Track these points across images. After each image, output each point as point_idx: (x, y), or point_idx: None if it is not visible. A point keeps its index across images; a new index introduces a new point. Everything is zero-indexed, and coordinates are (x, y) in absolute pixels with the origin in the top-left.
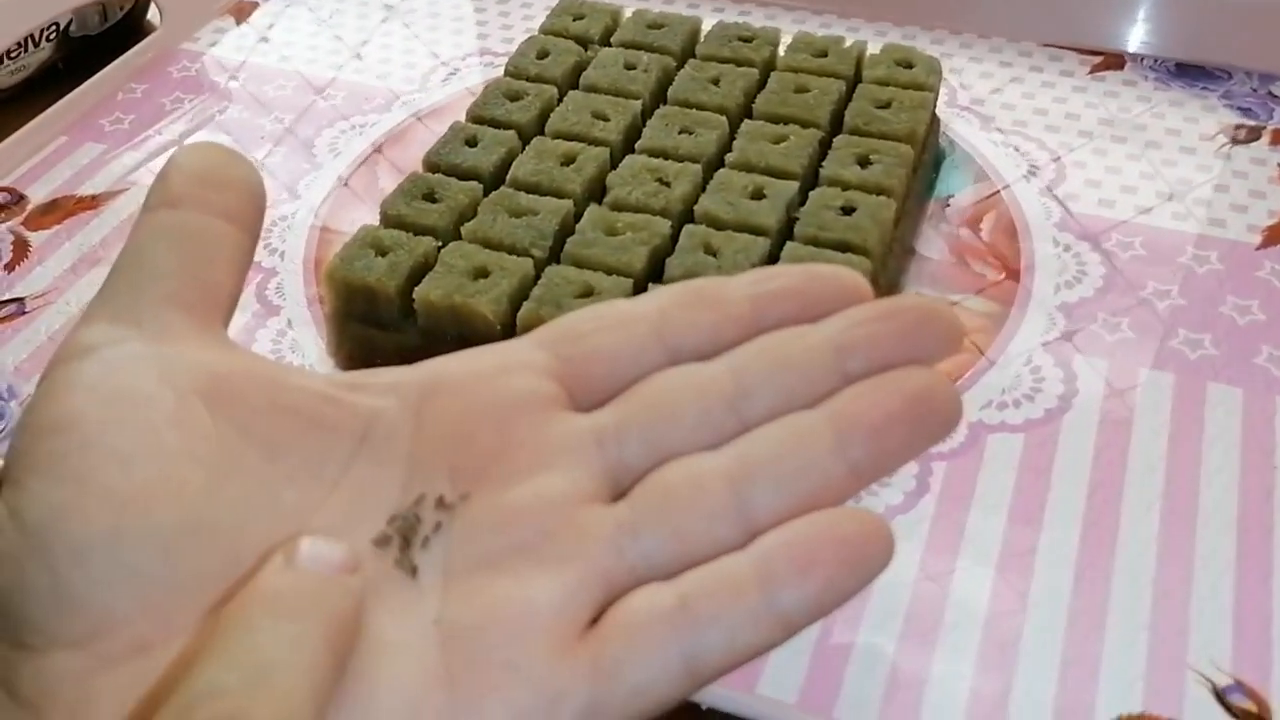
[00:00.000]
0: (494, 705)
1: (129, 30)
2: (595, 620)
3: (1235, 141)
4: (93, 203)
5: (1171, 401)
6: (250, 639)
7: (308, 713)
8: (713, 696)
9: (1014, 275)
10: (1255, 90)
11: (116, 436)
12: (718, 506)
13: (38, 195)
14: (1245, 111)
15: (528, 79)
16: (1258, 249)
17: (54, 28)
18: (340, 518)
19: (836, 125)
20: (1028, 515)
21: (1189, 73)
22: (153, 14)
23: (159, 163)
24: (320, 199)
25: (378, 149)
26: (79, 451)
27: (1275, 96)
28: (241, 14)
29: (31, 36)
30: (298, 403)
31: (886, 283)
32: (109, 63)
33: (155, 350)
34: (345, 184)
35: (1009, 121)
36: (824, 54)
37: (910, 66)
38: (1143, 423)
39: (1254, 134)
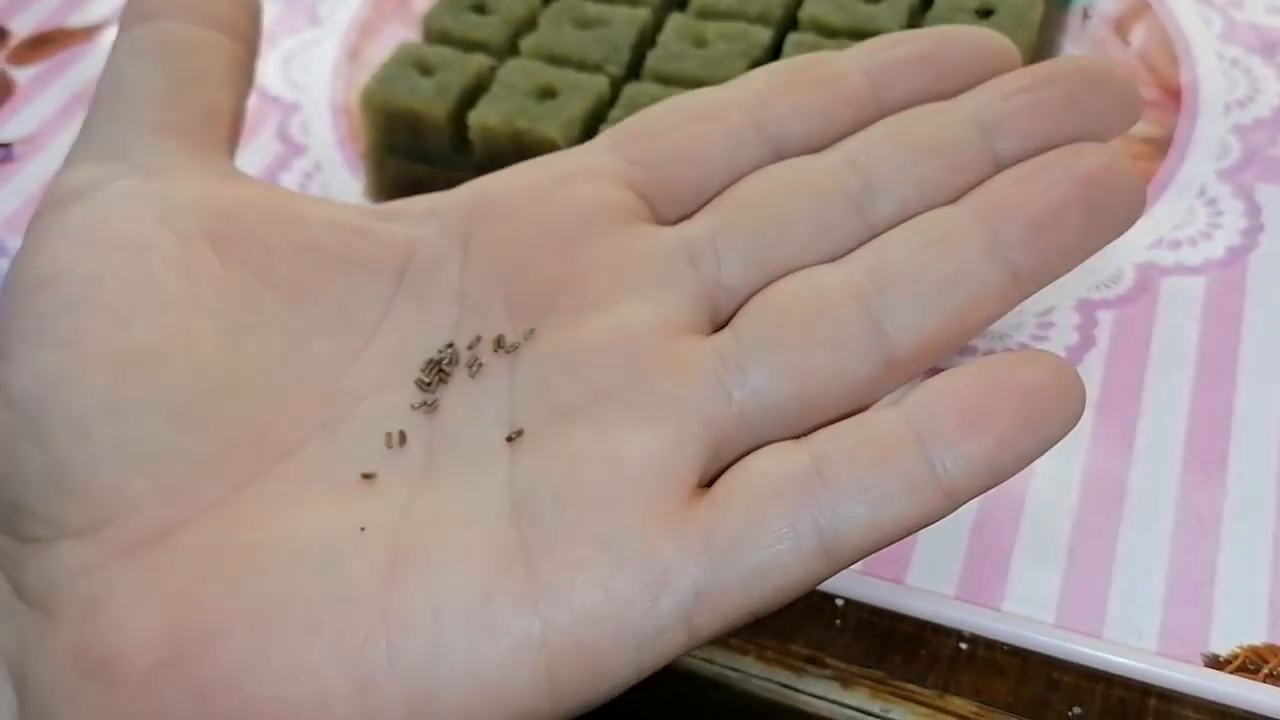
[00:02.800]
0: (584, 589)
1: None
2: (705, 484)
3: None
4: (84, 35)
5: None
6: None
7: None
8: (852, 586)
9: (1173, 94)
10: None
11: (111, 290)
12: (846, 331)
13: (22, 28)
14: None
15: None
16: None
17: None
18: (382, 370)
19: None
20: (1219, 370)
21: None
22: None
23: None
24: (346, 22)
25: None
26: (68, 310)
27: None
28: None
29: None
30: (323, 238)
31: None
32: None
33: (150, 187)
34: (374, 5)
35: None
36: None
37: None
38: None
39: None
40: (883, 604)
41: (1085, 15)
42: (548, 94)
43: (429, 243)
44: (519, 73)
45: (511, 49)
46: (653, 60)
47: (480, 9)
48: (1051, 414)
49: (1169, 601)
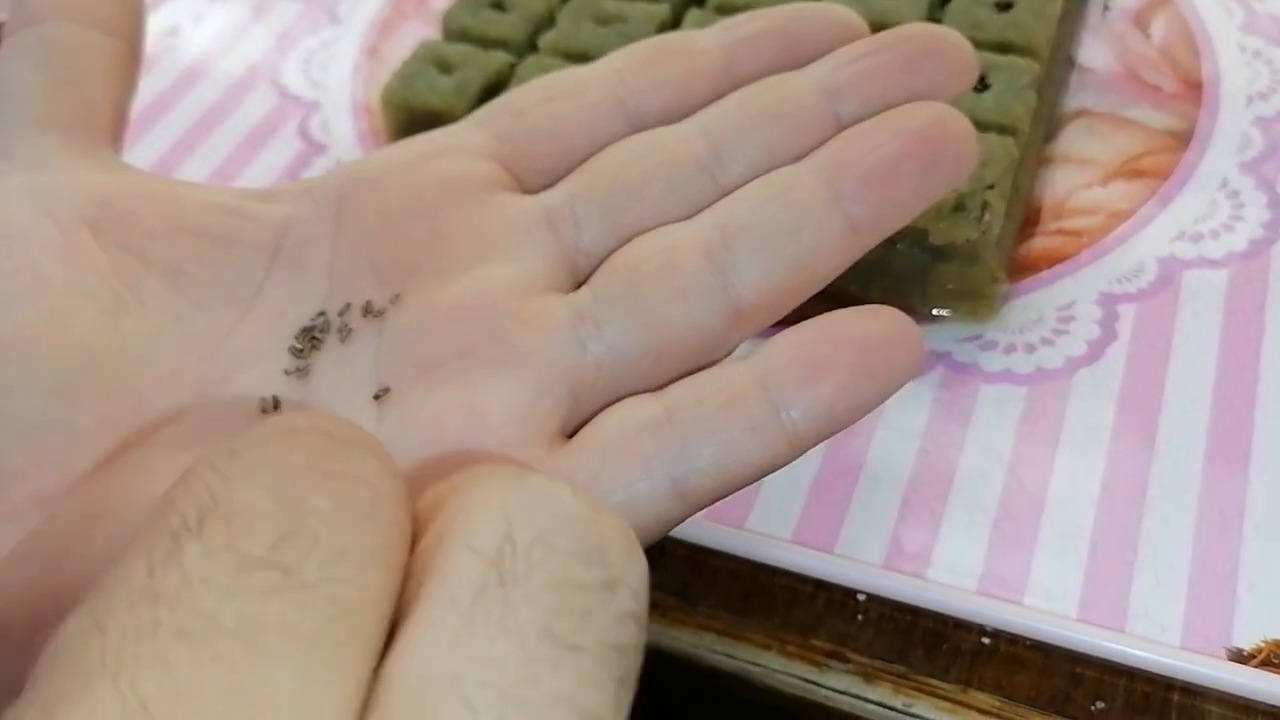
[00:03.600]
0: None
1: None
2: (568, 436)
3: None
4: None
5: None
6: None
7: None
8: (874, 580)
9: (1194, 87)
10: None
11: None
12: (693, 283)
13: None
14: None
15: None
16: None
17: None
18: (258, 341)
19: None
20: (1242, 362)
21: None
22: None
23: None
24: (366, 20)
25: None
26: None
27: None
28: None
29: None
30: (200, 220)
31: (1050, 94)
32: None
33: (30, 180)
34: (393, 3)
35: None
36: None
37: None
38: None
39: None
40: (905, 599)
41: (1105, 8)
42: None
43: (303, 219)
44: (538, 70)
45: (530, 46)
46: None
47: (499, 6)
48: (889, 364)
49: (1192, 596)
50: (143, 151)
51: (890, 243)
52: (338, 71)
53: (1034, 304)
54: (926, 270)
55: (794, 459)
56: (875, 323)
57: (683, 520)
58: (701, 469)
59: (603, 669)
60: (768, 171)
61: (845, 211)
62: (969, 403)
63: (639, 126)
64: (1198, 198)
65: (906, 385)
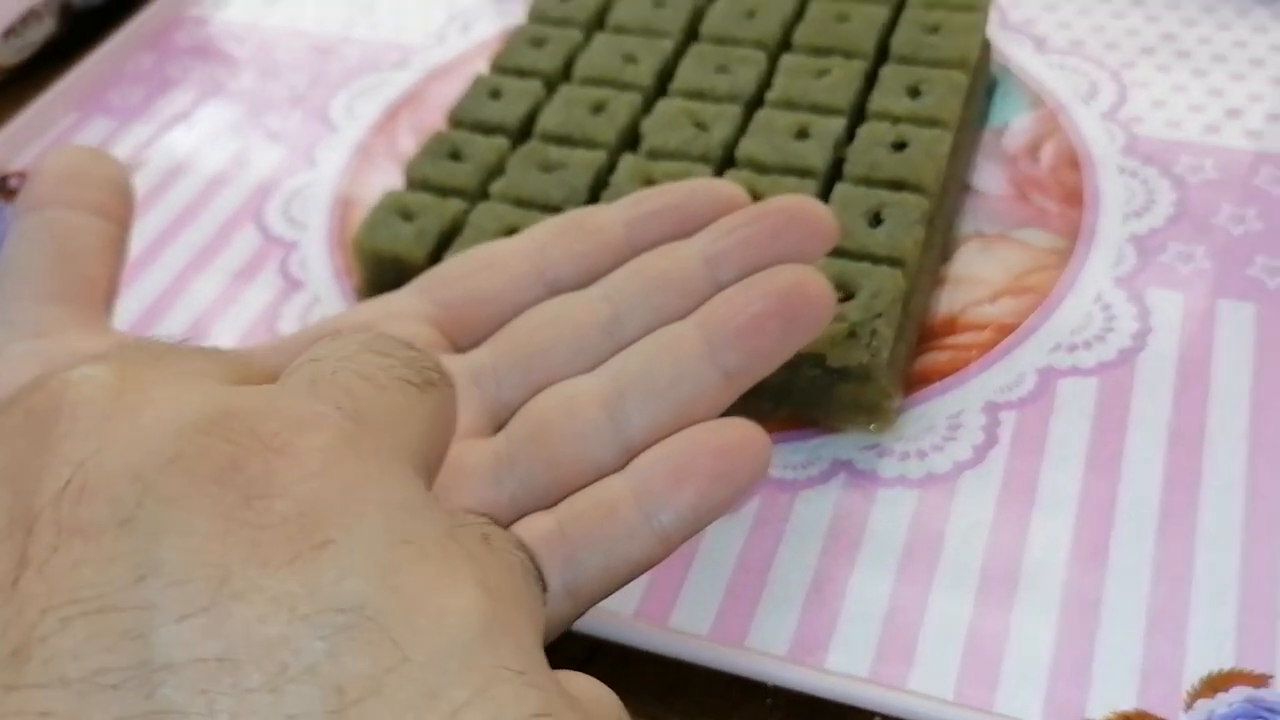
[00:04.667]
0: None
1: None
2: None
3: None
4: None
5: (1253, 334)
6: None
7: None
8: (776, 671)
9: (1077, 207)
10: None
11: None
12: (590, 427)
13: None
14: None
15: (550, 23)
16: None
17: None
18: None
19: (882, 54)
20: (1106, 464)
21: None
22: None
23: (171, 135)
24: (339, 166)
25: (396, 109)
26: None
27: None
28: None
29: (33, 11)
30: None
31: (943, 221)
32: (114, 33)
33: (34, 345)
34: (364, 149)
35: (1065, 41)
36: None
37: None
38: (1223, 358)
39: None
40: (805, 688)
41: (1000, 134)
42: (512, 233)
43: (278, 374)
44: (488, 215)
45: (483, 193)
46: (605, 199)
47: (456, 156)
48: (741, 469)
49: (1053, 675)
50: (148, 284)
51: (796, 366)
52: (315, 212)
53: (927, 414)
54: (828, 389)
55: (667, 556)
56: (729, 434)
57: (577, 617)
58: (589, 573)
59: None
60: (658, 328)
61: (720, 362)
62: (867, 506)
63: (555, 291)
64: (1075, 311)
65: (811, 491)
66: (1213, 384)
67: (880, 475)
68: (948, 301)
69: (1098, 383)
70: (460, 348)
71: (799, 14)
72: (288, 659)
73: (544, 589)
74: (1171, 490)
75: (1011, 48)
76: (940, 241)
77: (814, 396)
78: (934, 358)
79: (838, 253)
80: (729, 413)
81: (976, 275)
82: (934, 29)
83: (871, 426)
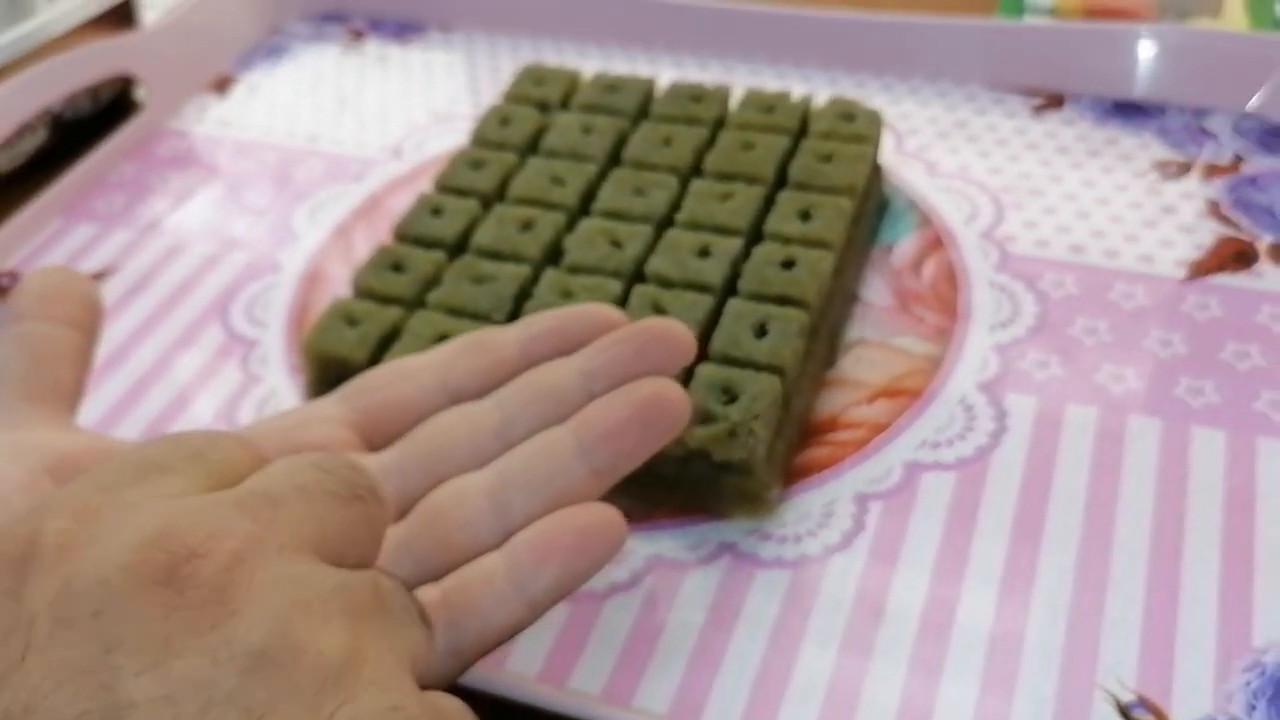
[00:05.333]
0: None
1: (122, 109)
2: None
3: (1166, 177)
4: None
5: (1094, 435)
6: None
7: None
8: None
9: (952, 317)
10: (1187, 125)
11: None
12: (477, 515)
13: None
14: (1177, 147)
15: (490, 146)
16: (1182, 283)
17: (46, 113)
18: None
19: (781, 180)
20: (956, 549)
21: (1125, 110)
22: (142, 92)
23: (149, 240)
24: (299, 271)
25: (353, 219)
26: None
27: (1205, 131)
28: (222, 87)
29: (27, 123)
30: None
31: (828, 330)
32: (100, 143)
33: (7, 437)
34: (322, 255)
35: (953, 167)
36: (771, 109)
37: (853, 119)
38: (1065, 457)
39: (1184, 169)
40: None
41: (889, 251)
42: (444, 339)
43: None
44: (424, 323)
45: (420, 302)
46: (528, 309)
47: (398, 267)
48: (598, 545)
49: None
50: (125, 373)
51: (687, 460)
52: (275, 313)
53: (805, 503)
54: (716, 481)
55: (535, 620)
56: (589, 516)
57: (462, 672)
58: (469, 636)
59: None
60: (540, 432)
61: (589, 461)
62: (747, 584)
63: (458, 400)
64: (940, 412)
65: (699, 571)
66: (1055, 480)
67: (760, 557)
68: (831, 402)
69: (956, 477)
70: (375, 448)
71: (710, 142)
72: (213, 693)
73: (428, 625)
74: (1011, 573)
75: (905, 171)
76: (825, 349)
77: (703, 487)
78: (815, 452)
79: (726, 360)
80: (633, 503)
81: (858, 378)
82: (827, 158)
83: (754, 514)
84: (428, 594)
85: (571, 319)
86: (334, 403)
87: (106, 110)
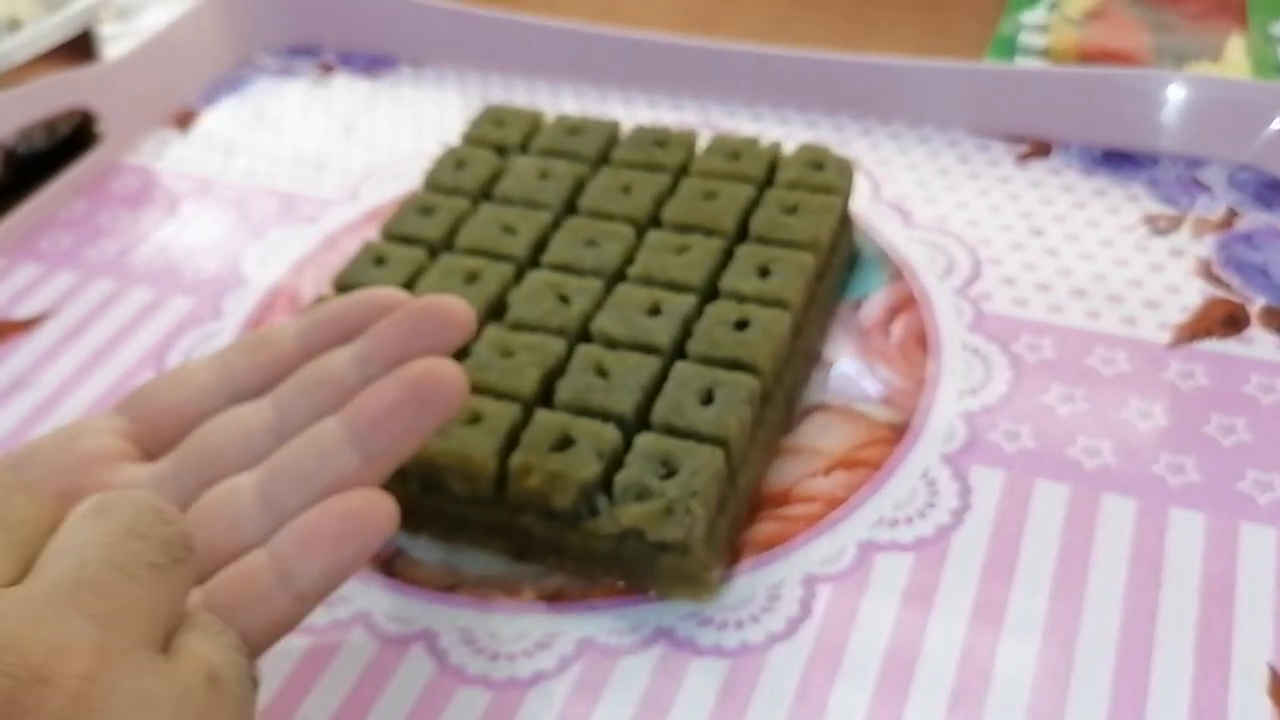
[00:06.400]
0: None
1: (78, 143)
2: None
3: (1155, 232)
4: (24, 327)
5: (1064, 515)
6: None
7: None
8: None
9: (919, 382)
10: (1180, 176)
11: None
12: (244, 512)
13: None
14: (1169, 199)
15: (443, 191)
16: (1166, 348)
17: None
18: None
19: (743, 233)
20: (909, 639)
21: (1115, 159)
22: (100, 126)
23: (93, 283)
24: (243, 317)
25: (304, 263)
26: None
27: (1198, 183)
28: (186, 123)
29: None
30: None
31: (784, 394)
32: (54, 179)
33: None
34: (269, 301)
35: (930, 217)
36: (737, 156)
37: (822, 168)
38: (1032, 539)
39: (1174, 224)
40: None
41: (858, 306)
42: None
43: None
44: None
45: None
46: (466, 367)
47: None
48: (365, 530)
49: None
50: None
51: (623, 538)
52: None
53: (749, 583)
54: (651, 560)
55: (305, 615)
56: (353, 501)
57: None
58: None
59: None
60: (316, 423)
61: (362, 448)
62: (680, 675)
63: (238, 400)
64: (901, 486)
65: (631, 658)
66: (1019, 564)
67: (697, 644)
68: (784, 472)
69: (913, 559)
70: (153, 455)
71: (671, 190)
72: None
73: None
74: (967, 669)
75: (880, 221)
76: (780, 414)
77: (640, 566)
78: (763, 528)
79: (668, 430)
80: (568, 580)
81: (815, 446)
82: (792, 209)
83: (693, 595)
84: (189, 598)
85: (352, 306)
86: (110, 413)
87: (63, 145)
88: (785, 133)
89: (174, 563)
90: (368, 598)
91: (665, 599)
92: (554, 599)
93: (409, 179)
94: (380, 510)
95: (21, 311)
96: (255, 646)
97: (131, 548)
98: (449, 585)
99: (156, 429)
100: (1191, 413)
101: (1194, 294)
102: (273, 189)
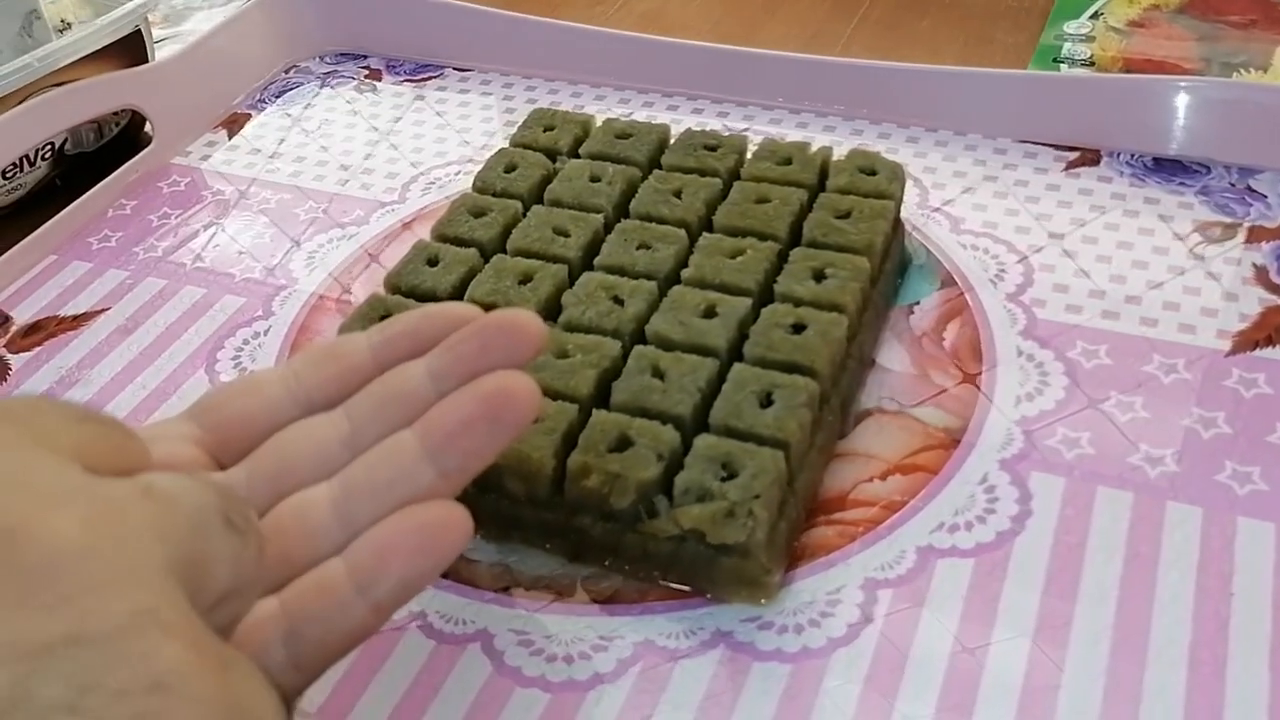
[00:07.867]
0: None
1: (126, 145)
2: None
3: (1210, 240)
4: (74, 323)
5: (1128, 523)
6: None
7: None
8: None
9: (975, 387)
10: (1234, 185)
11: None
12: (319, 525)
13: (23, 316)
14: (1222, 208)
15: (494, 194)
16: (1226, 356)
17: (49, 147)
18: None
19: (796, 237)
20: (972, 648)
21: (1166, 168)
22: (150, 128)
23: (142, 281)
24: (292, 317)
25: (352, 264)
26: None
27: (1254, 191)
28: (234, 126)
29: (27, 156)
30: None
31: (840, 399)
32: (103, 179)
33: None
34: (318, 302)
35: (979, 223)
36: (788, 161)
37: (873, 173)
38: (1096, 547)
39: (1229, 232)
40: None
41: (910, 311)
42: None
43: None
44: None
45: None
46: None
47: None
48: (442, 543)
49: None
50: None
51: (682, 540)
52: (264, 360)
53: (809, 588)
54: (711, 563)
55: (381, 625)
56: (430, 513)
57: (306, 686)
58: (309, 645)
59: None
60: (390, 436)
61: (437, 463)
62: (741, 678)
63: (310, 411)
64: (959, 492)
65: (691, 661)
66: (1084, 573)
67: (757, 647)
68: (841, 476)
69: (974, 564)
70: (224, 465)
71: (723, 194)
72: None
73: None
74: (1032, 678)
75: (930, 226)
76: (836, 419)
77: (699, 569)
78: (821, 533)
79: (727, 432)
80: (625, 582)
81: (872, 451)
82: (845, 214)
83: (753, 599)
84: (265, 605)
85: (424, 320)
86: (181, 421)
87: (112, 146)
88: (831, 139)
89: (230, 527)
90: (423, 598)
91: (723, 602)
92: (609, 601)
93: (455, 183)
94: (456, 523)
95: (71, 309)
96: (331, 654)
97: (209, 503)
98: (504, 586)
99: (228, 438)
100: (1256, 421)
101: (1252, 301)
102: (320, 191)
